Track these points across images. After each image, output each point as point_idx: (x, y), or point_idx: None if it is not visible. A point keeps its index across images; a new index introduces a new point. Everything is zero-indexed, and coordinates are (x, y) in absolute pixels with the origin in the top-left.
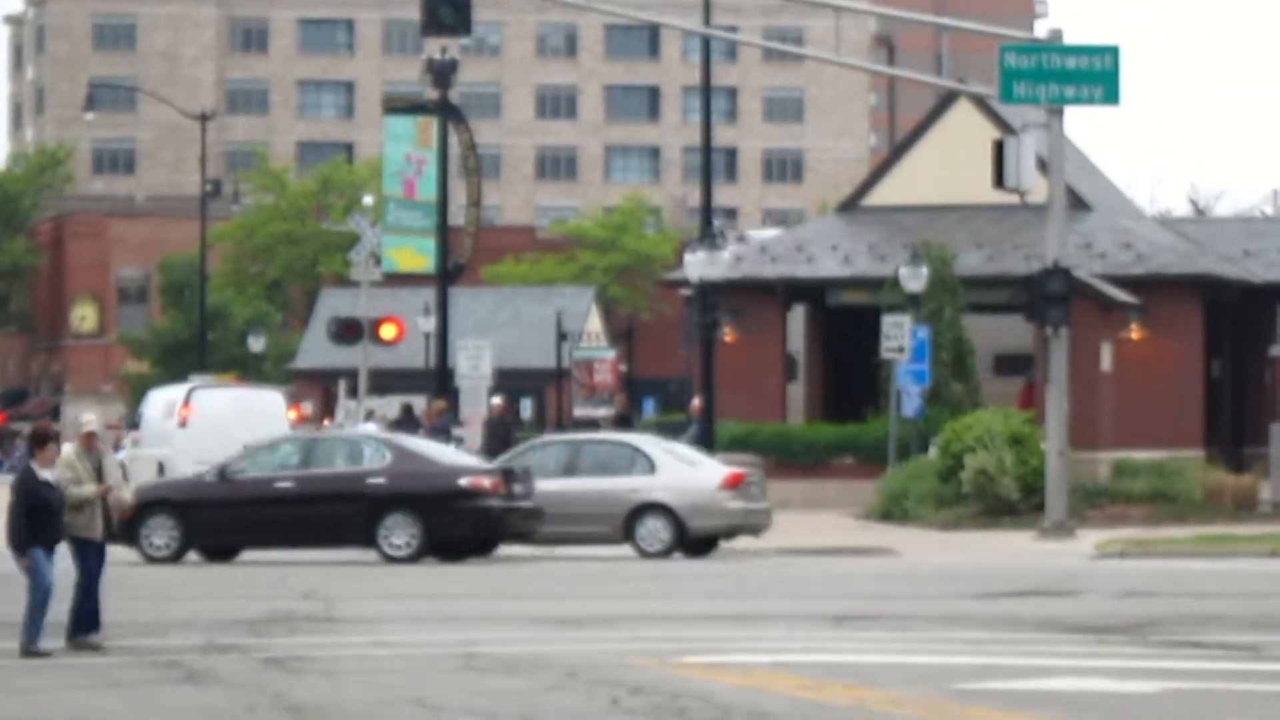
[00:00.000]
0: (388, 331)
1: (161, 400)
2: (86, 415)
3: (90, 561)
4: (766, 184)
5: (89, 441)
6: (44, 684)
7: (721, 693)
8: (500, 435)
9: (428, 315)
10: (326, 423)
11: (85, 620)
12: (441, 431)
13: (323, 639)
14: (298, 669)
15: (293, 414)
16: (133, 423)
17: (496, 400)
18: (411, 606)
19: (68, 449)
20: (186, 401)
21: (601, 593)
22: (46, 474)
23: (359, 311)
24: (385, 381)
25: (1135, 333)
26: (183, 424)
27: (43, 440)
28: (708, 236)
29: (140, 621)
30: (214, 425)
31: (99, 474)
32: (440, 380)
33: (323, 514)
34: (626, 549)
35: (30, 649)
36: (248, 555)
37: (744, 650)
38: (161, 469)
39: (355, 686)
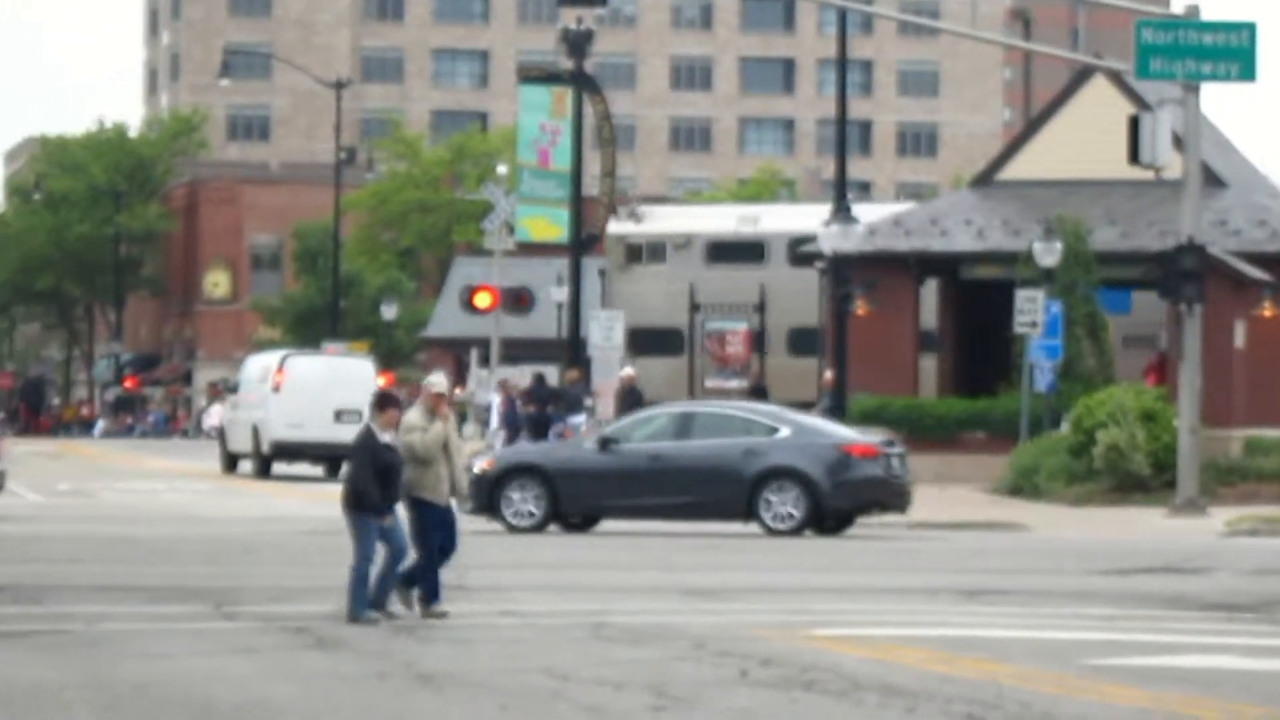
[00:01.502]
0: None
1: (258, 366)
2: (436, 376)
3: (430, 525)
4: (900, 158)
5: (436, 403)
6: (175, 649)
7: (850, 665)
8: (631, 406)
9: (560, 285)
10: (458, 391)
11: (429, 586)
12: (575, 401)
13: (452, 607)
14: (427, 637)
15: (382, 380)
16: (231, 387)
17: (627, 371)
18: (540, 576)
19: (412, 412)
20: (280, 367)
21: (730, 564)
22: (386, 437)
23: (491, 280)
24: (518, 351)
25: (1269, 310)
26: (276, 389)
27: (384, 403)
28: (841, 210)
29: (271, 587)
30: (306, 391)
31: (445, 442)
32: (572, 350)
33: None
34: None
35: (356, 616)
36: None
37: (874, 623)
38: (256, 432)
39: (484, 655)
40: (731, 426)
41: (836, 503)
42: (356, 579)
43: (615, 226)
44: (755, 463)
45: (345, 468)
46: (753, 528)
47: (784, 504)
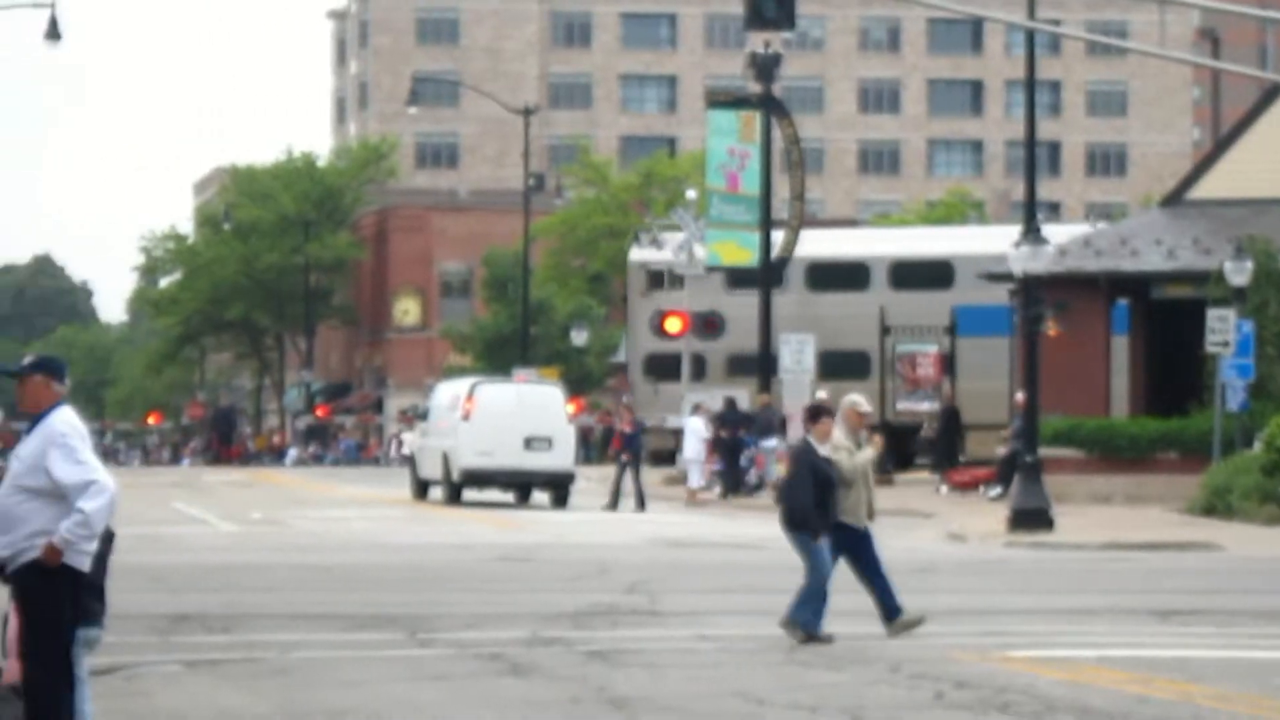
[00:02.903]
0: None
1: (448, 393)
2: (857, 396)
3: (857, 549)
4: (1089, 178)
5: (858, 422)
6: (368, 676)
7: (1045, 686)
8: None
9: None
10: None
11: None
12: (766, 425)
13: (645, 632)
14: (621, 662)
15: (571, 408)
16: (421, 414)
17: (822, 394)
18: (732, 600)
19: (837, 432)
20: (470, 395)
21: (923, 586)
22: (824, 450)
23: (681, 305)
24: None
25: None
26: (466, 417)
27: (817, 415)
28: (1031, 231)
29: (463, 614)
30: (496, 418)
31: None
32: (764, 373)
33: None
34: None
35: (810, 634)
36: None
37: (1068, 644)
38: (446, 459)
39: (677, 679)
40: None
41: None
42: (808, 596)
43: (636, 253)
44: None
45: (783, 482)
46: (944, 546)
47: None
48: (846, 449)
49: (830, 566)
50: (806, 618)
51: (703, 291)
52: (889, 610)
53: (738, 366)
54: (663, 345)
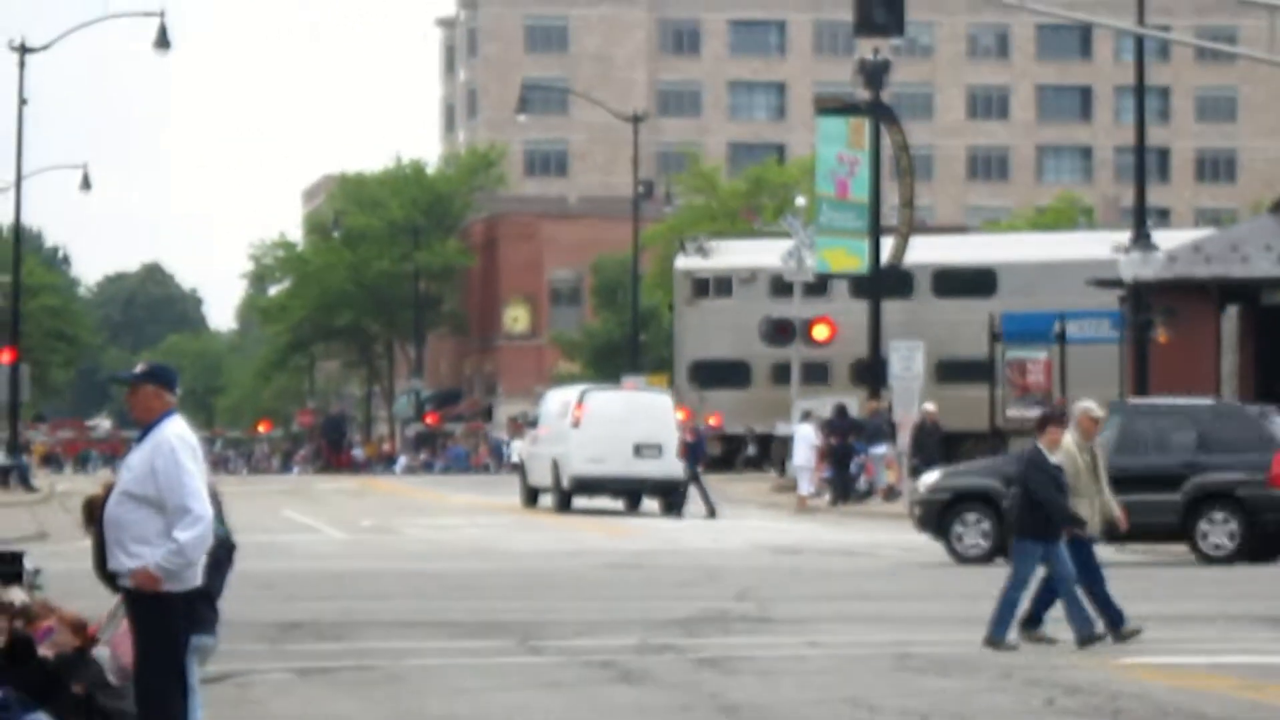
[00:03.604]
0: (820, 332)
1: (558, 400)
2: (1091, 401)
3: (1081, 557)
4: (1199, 184)
5: (1091, 427)
6: (479, 683)
7: (1158, 693)
8: (926, 444)
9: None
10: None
11: (1041, 614)
12: (875, 432)
13: (756, 639)
14: (732, 669)
15: (680, 415)
16: (531, 422)
17: (929, 407)
18: (842, 607)
19: (1067, 439)
20: (580, 402)
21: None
22: (1055, 458)
23: (791, 312)
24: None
25: None
26: (576, 424)
27: (1046, 422)
28: (1141, 237)
29: (574, 621)
30: (606, 426)
31: (1094, 466)
32: (873, 380)
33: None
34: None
35: (996, 641)
36: None
37: (1179, 651)
38: (556, 466)
39: (789, 686)
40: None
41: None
42: (1005, 603)
43: (682, 261)
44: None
45: (1013, 492)
46: None
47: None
48: (1073, 455)
49: (1030, 575)
50: (1012, 622)
51: (749, 299)
52: (1113, 619)
53: (782, 374)
54: (710, 353)
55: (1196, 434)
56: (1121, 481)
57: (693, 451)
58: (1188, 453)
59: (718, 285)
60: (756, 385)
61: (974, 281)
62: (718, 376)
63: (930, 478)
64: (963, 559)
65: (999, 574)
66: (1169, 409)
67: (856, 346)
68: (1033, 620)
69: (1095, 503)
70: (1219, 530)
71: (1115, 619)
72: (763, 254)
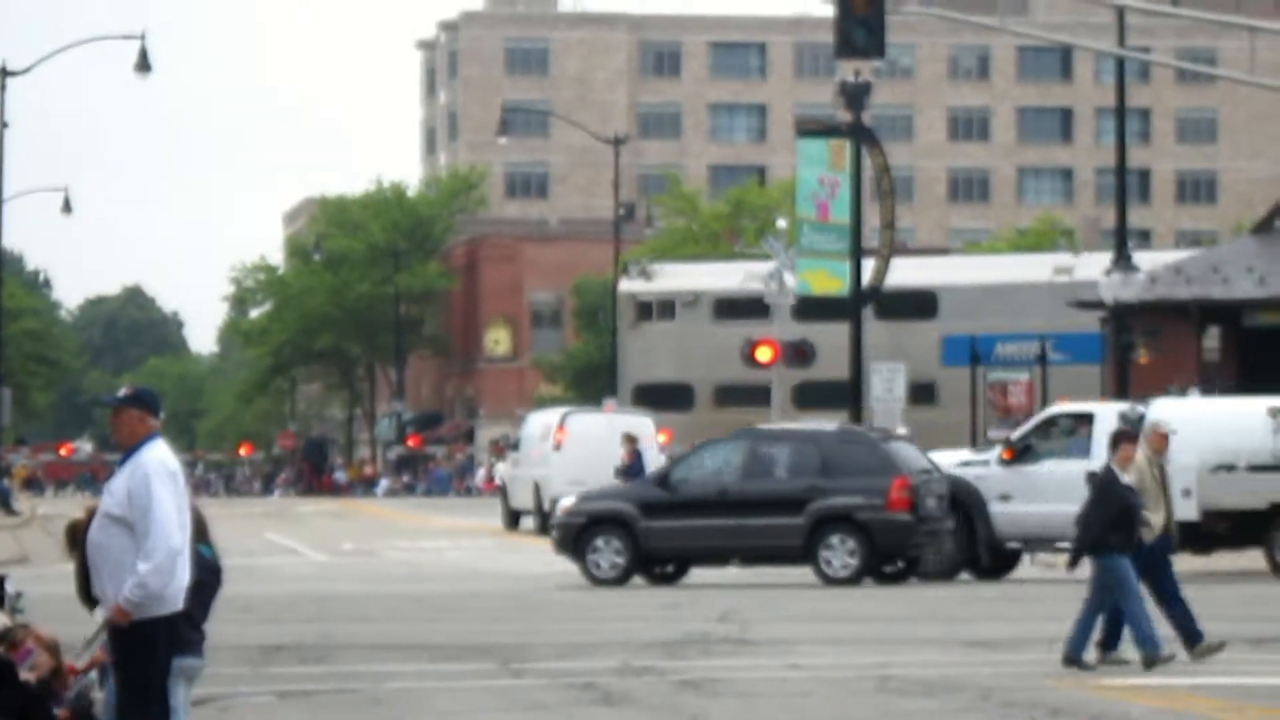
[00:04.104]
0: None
1: (539, 423)
2: (1159, 418)
3: (1157, 571)
4: (1180, 205)
5: (1161, 444)
6: (461, 706)
7: (1139, 714)
8: None
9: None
10: None
11: (1115, 635)
12: None
13: (737, 661)
14: (713, 691)
15: (662, 437)
16: (513, 444)
17: (901, 431)
18: (824, 629)
19: (1139, 453)
20: (561, 425)
21: (1018, 615)
22: (1127, 477)
23: (773, 334)
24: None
25: None
26: (558, 446)
27: (1120, 440)
28: (1122, 259)
29: (555, 644)
30: (587, 447)
31: (1163, 481)
32: (855, 402)
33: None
34: None
35: (1074, 658)
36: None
37: (1161, 672)
38: (538, 489)
39: (769, 708)
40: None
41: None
42: (1127, 617)
43: (625, 284)
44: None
45: (1082, 508)
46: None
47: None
48: (1141, 474)
49: (1131, 588)
50: (1088, 641)
51: (692, 322)
52: (1189, 635)
53: (726, 397)
54: (653, 376)
55: (820, 459)
56: (747, 505)
57: (628, 474)
58: (811, 477)
59: (661, 308)
60: (700, 408)
61: (915, 304)
62: (661, 399)
63: (566, 502)
64: (598, 581)
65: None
66: (793, 434)
67: (797, 370)
68: (1192, 635)
69: (1161, 514)
70: (839, 553)
71: (1192, 636)
72: (705, 277)
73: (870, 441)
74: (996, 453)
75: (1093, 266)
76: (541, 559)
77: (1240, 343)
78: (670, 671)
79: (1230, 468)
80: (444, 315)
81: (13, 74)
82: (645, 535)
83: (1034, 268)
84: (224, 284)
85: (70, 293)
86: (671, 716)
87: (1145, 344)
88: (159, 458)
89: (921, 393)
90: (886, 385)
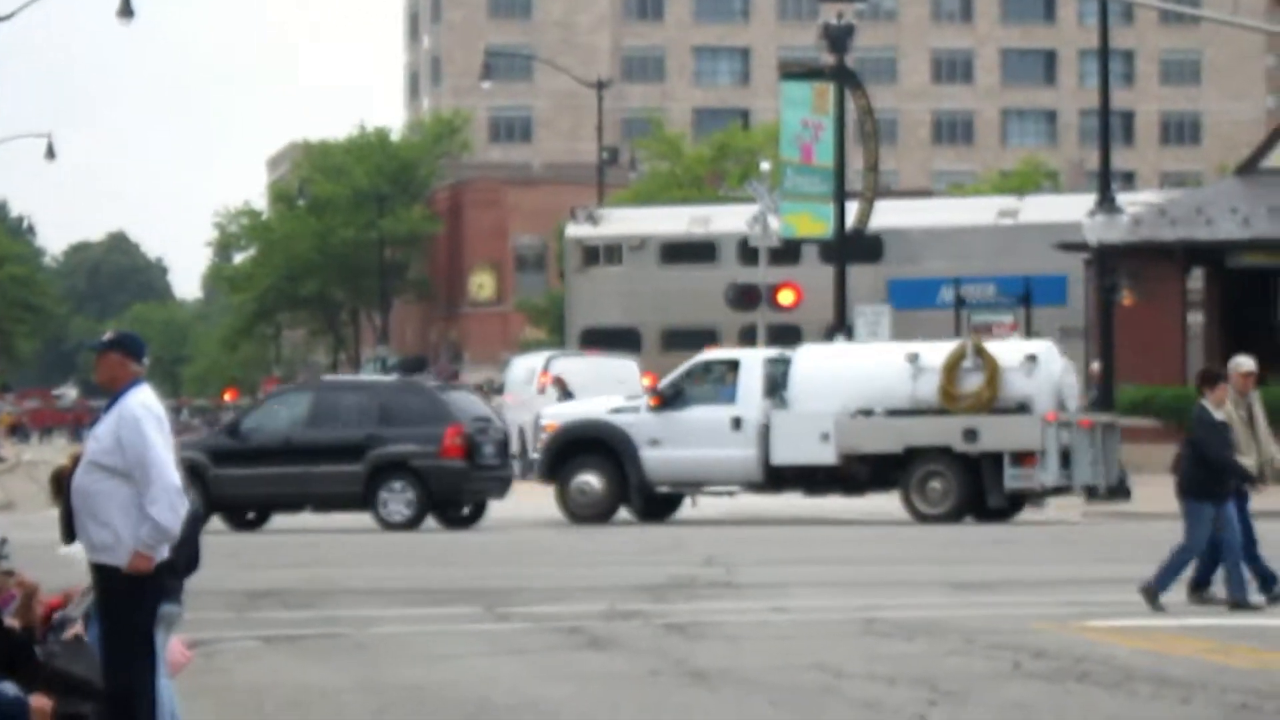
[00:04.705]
0: (785, 297)
1: (524, 367)
2: (1244, 356)
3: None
4: (1164, 147)
5: (1243, 384)
6: (447, 650)
7: (1124, 656)
8: None
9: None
10: None
11: (1208, 575)
12: None
13: (723, 604)
14: (699, 634)
15: (646, 380)
16: (497, 389)
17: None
18: (809, 571)
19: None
20: (545, 369)
21: (1001, 557)
22: (1219, 415)
23: (756, 277)
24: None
25: None
26: (542, 390)
27: (1214, 380)
28: (1106, 200)
29: (541, 588)
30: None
31: (1250, 420)
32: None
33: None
34: None
35: (1153, 597)
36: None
37: (1147, 614)
38: (523, 433)
39: (755, 651)
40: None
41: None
42: (1172, 565)
43: (572, 230)
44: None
45: (1180, 450)
46: (1021, 516)
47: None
48: (1228, 414)
49: (1205, 539)
50: (1172, 584)
51: (639, 266)
52: (1265, 578)
53: (673, 341)
54: (600, 320)
55: (379, 408)
56: (312, 453)
57: None
58: (371, 426)
59: (608, 253)
60: (647, 352)
61: (861, 247)
62: (608, 343)
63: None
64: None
65: (971, 531)
66: (355, 385)
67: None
68: (1200, 583)
69: (1254, 455)
70: (397, 499)
71: (1268, 579)
72: (652, 221)
73: (428, 391)
74: (645, 399)
75: (1037, 209)
76: (528, 503)
77: (1224, 284)
78: (656, 615)
79: (868, 412)
80: (428, 260)
81: None
82: (216, 483)
83: (978, 211)
84: (208, 230)
85: (54, 239)
86: (657, 660)
87: (1129, 286)
88: (144, 401)
89: None
90: (871, 328)
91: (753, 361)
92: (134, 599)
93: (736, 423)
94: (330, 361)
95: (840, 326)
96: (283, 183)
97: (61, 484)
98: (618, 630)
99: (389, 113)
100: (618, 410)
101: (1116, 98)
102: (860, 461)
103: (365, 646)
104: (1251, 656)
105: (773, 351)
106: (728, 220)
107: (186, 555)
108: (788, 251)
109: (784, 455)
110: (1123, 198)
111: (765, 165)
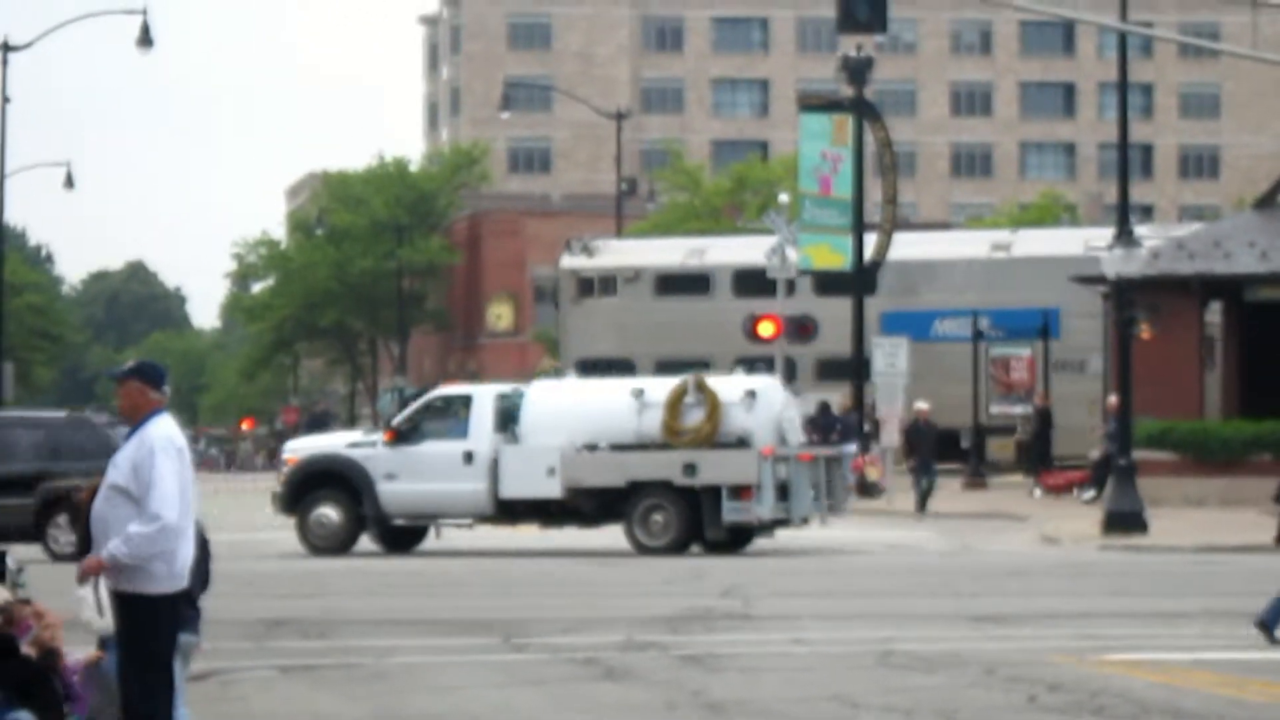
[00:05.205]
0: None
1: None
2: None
3: None
4: (1182, 180)
5: None
6: (463, 681)
7: (1139, 689)
8: (921, 444)
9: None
10: None
11: None
12: (848, 429)
13: (740, 636)
14: (716, 666)
15: None
16: None
17: (922, 405)
18: (827, 604)
19: None
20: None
21: (1017, 589)
22: None
23: (776, 308)
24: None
25: None
26: None
27: None
28: (1124, 233)
29: (557, 619)
30: None
31: None
32: (857, 376)
33: None
34: None
35: (1268, 631)
36: None
37: (1162, 647)
38: None
39: (773, 683)
40: None
41: None
42: None
43: (567, 261)
44: None
45: None
46: (1037, 549)
47: None
48: None
49: None
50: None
51: (634, 298)
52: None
53: (667, 372)
54: (595, 351)
55: (50, 443)
56: None
57: None
58: (41, 460)
59: (602, 284)
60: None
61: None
62: (603, 374)
63: None
64: None
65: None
66: (28, 421)
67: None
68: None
69: None
70: (65, 532)
71: None
72: (647, 253)
73: (94, 427)
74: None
75: (1030, 243)
76: (544, 534)
77: (1242, 318)
78: (673, 647)
79: (593, 447)
80: (446, 290)
81: (14, 49)
82: None
83: (971, 244)
84: (226, 259)
85: (73, 268)
86: (674, 692)
87: (1147, 319)
88: (165, 433)
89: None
90: (889, 359)
91: (484, 397)
92: (153, 627)
93: (468, 457)
94: (348, 391)
95: (750, 364)
96: (301, 212)
97: (81, 511)
98: (634, 662)
99: (408, 143)
100: (355, 445)
101: (1135, 131)
102: (585, 495)
103: (381, 676)
104: (1266, 691)
105: (506, 387)
106: (723, 252)
107: (200, 581)
108: (768, 284)
109: (512, 489)
110: (1140, 230)
111: (784, 197)
